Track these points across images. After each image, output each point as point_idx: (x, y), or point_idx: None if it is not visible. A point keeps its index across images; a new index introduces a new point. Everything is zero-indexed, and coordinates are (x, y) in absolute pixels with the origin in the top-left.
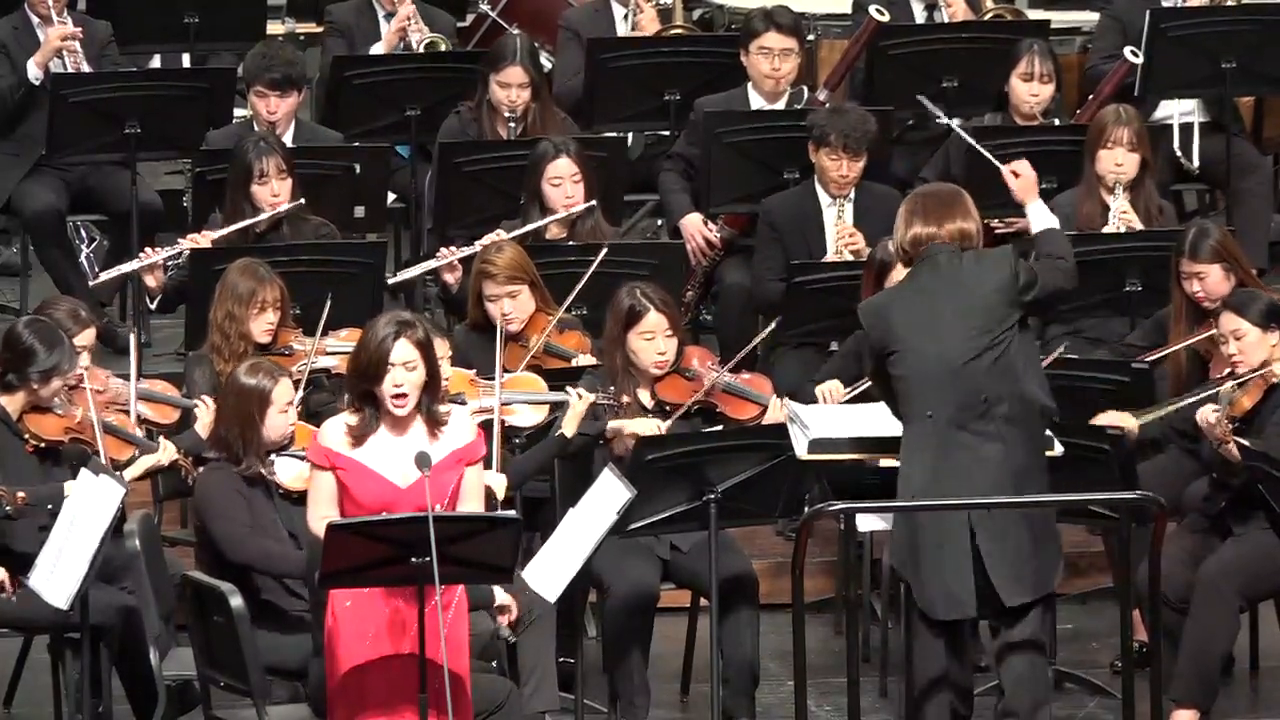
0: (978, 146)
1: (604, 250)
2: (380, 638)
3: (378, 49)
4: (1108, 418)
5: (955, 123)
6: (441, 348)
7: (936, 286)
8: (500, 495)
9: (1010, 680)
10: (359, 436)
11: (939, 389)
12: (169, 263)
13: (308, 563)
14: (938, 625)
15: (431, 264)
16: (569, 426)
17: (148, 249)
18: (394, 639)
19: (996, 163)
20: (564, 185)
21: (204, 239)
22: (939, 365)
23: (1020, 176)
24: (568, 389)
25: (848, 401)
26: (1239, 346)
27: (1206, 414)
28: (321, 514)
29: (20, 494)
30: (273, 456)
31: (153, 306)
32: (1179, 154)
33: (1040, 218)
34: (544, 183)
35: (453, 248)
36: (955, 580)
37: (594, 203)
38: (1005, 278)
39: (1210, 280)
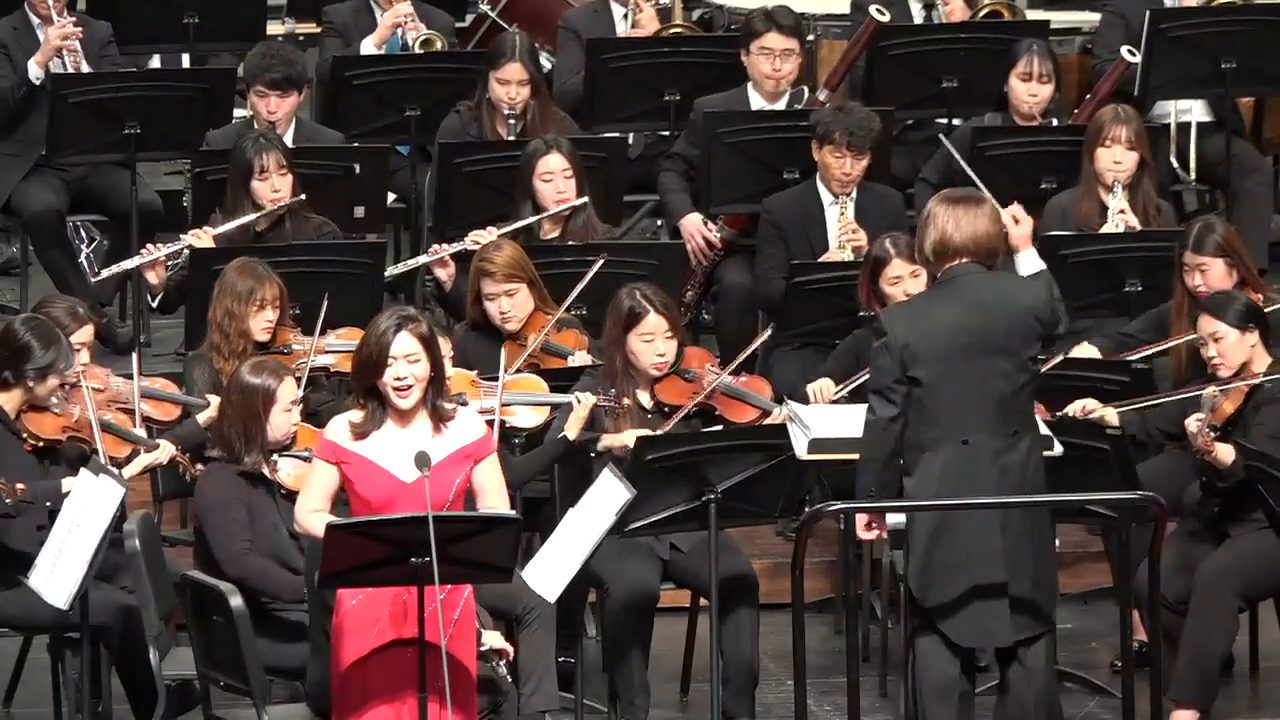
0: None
1: (600, 262)
2: (385, 629)
3: (368, 43)
4: (1081, 404)
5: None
6: (444, 346)
7: (970, 311)
8: None
9: (1019, 680)
10: (364, 432)
11: (977, 417)
12: (170, 261)
13: (305, 563)
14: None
15: (422, 259)
16: (571, 430)
17: (150, 245)
18: (399, 629)
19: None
20: (555, 181)
21: (205, 235)
22: (979, 394)
23: (1020, 223)
24: (572, 391)
25: (839, 400)
26: (1218, 349)
27: (1190, 423)
28: (312, 506)
29: (19, 485)
30: (275, 457)
31: (154, 304)
32: (1175, 165)
33: (1030, 263)
34: (535, 179)
35: (444, 244)
36: (990, 610)
37: (585, 199)
38: (1041, 304)
39: (1212, 274)
